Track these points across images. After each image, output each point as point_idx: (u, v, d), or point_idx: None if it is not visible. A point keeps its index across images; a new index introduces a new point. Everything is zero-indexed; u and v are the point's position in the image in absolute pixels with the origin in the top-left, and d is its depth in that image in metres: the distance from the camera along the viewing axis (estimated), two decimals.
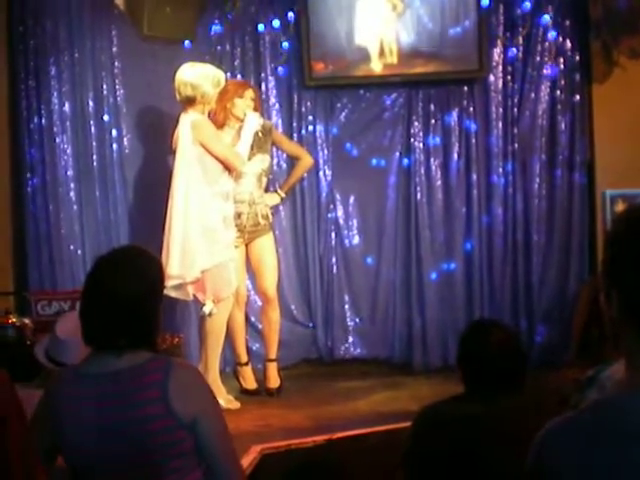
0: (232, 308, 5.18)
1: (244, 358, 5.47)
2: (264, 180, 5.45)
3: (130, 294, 2.19)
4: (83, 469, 2.23)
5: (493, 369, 2.75)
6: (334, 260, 6.17)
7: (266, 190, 5.55)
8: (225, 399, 5.00)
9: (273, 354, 5.50)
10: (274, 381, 5.46)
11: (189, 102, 4.95)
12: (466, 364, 2.82)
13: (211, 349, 5.04)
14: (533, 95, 6.01)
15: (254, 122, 5.15)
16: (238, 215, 5.20)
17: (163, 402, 2.12)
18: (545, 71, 5.99)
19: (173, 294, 4.87)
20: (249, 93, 5.28)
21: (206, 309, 4.96)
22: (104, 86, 5.74)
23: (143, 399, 2.13)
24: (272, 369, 5.49)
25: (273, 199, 5.58)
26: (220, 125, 5.22)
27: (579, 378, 1.76)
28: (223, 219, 4.98)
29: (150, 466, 2.15)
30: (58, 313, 4.62)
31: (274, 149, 5.70)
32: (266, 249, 5.42)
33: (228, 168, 5.00)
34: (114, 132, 5.77)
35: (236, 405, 5.05)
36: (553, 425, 1.25)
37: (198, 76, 4.95)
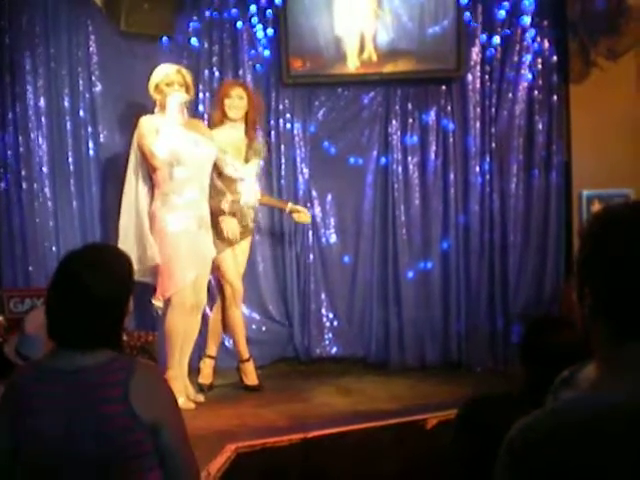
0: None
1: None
2: (257, 184, 5.55)
3: (104, 295, 2.16)
4: (43, 467, 2.18)
5: (557, 372, 2.62)
6: (311, 258, 6.16)
7: None
8: (182, 399, 4.91)
9: (246, 353, 5.46)
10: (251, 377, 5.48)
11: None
12: (529, 367, 2.62)
13: (168, 348, 4.99)
14: (511, 95, 6.03)
15: (173, 101, 4.98)
16: (242, 217, 5.29)
17: (124, 402, 2.10)
18: (523, 71, 6.01)
19: (149, 280, 4.90)
20: (236, 92, 5.32)
21: (155, 304, 4.97)
22: (80, 82, 5.71)
23: (105, 397, 2.11)
24: (250, 367, 5.47)
25: None
26: (217, 124, 5.30)
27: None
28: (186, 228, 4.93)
29: (110, 465, 2.12)
30: (31, 310, 4.57)
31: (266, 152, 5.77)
32: (244, 251, 5.47)
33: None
34: (90, 128, 5.74)
35: (191, 406, 4.86)
36: (522, 424, 1.25)
37: (150, 80, 5.06)
